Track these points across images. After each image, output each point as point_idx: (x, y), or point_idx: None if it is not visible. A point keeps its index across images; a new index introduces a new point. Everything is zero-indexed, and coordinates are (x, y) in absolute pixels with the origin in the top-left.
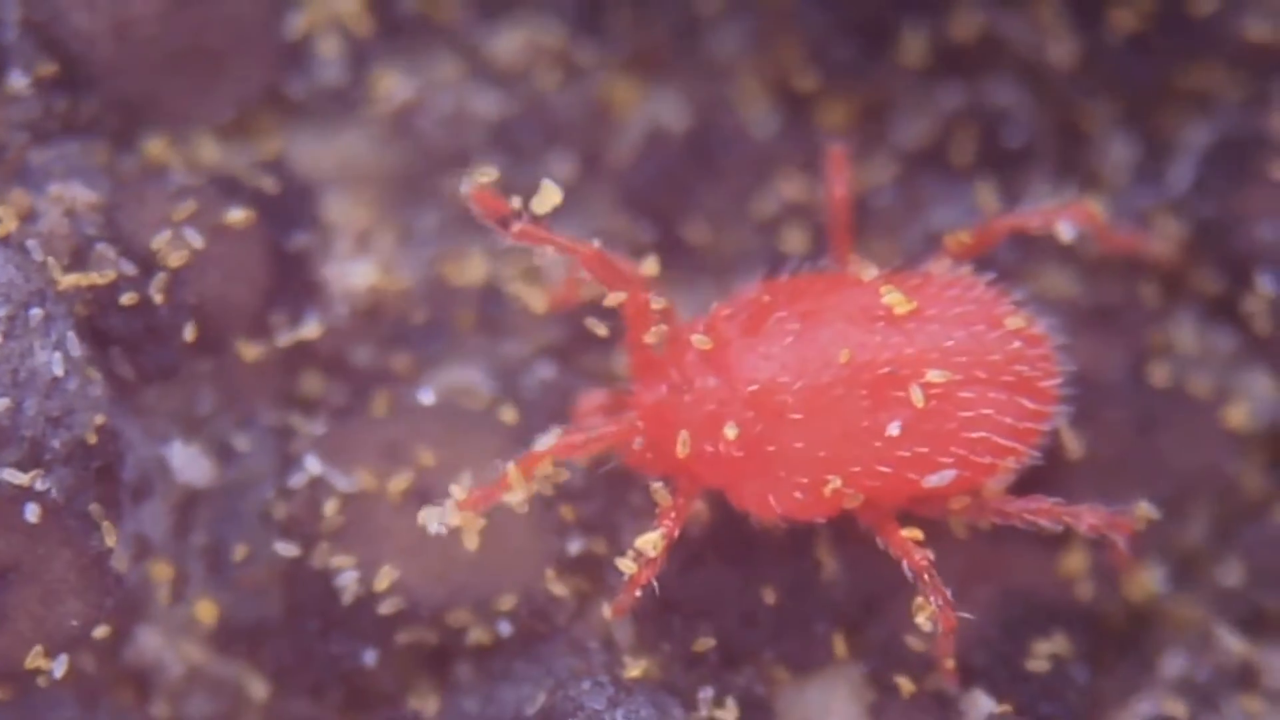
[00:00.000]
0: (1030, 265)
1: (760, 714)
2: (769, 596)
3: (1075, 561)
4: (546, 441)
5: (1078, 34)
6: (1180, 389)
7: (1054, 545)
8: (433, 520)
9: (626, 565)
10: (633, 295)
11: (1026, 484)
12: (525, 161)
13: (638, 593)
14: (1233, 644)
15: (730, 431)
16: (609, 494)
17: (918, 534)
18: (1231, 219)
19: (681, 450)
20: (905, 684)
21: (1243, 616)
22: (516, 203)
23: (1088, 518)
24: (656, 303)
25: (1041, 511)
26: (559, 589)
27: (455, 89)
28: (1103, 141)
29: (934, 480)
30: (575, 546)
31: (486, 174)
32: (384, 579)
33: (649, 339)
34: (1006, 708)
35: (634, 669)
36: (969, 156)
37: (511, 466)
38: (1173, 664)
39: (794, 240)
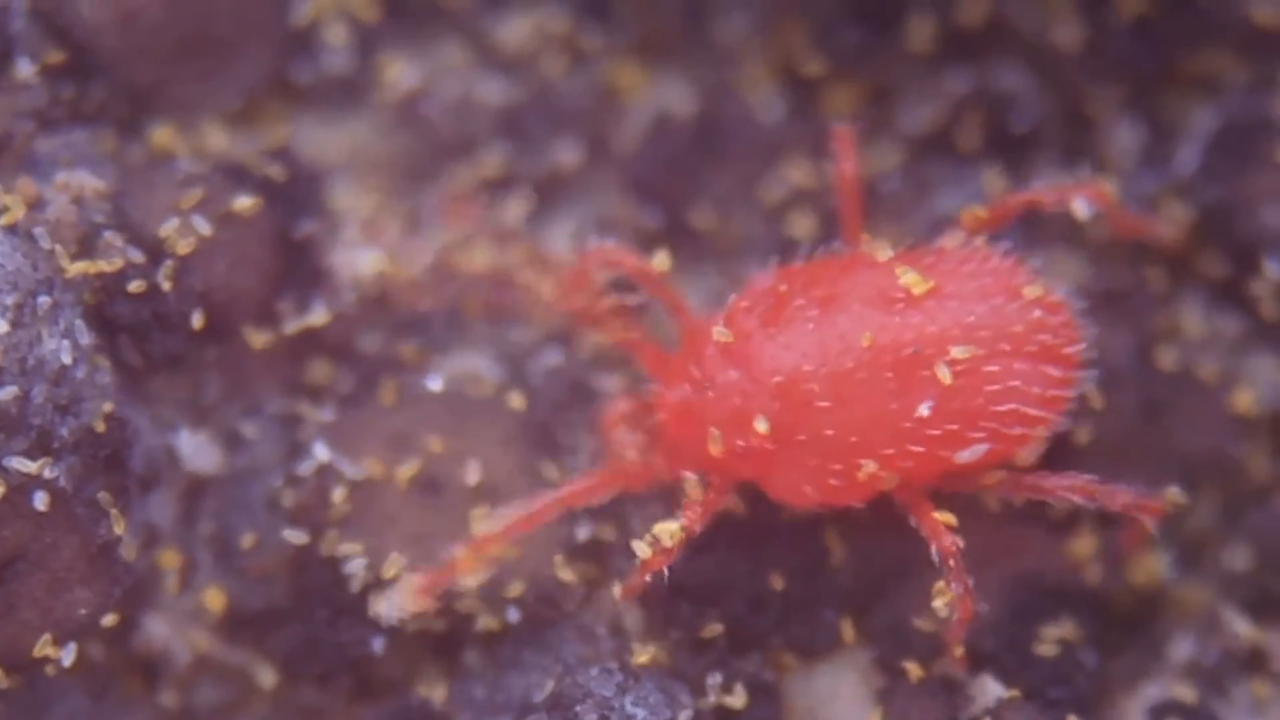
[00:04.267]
0: (1038, 249)
1: (768, 700)
2: (777, 582)
3: (1083, 545)
4: (494, 525)
5: (1084, 18)
6: (1187, 373)
7: (1062, 529)
8: (392, 610)
9: (641, 549)
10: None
11: (1035, 466)
12: (532, 148)
13: (648, 577)
14: (1241, 628)
15: (761, 425)
16: None
17: (951, 519)
18: (1238, 203)
19: (714, 447)
20: (913, 669)
21: (1250, 600)
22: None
23: (1121, 497)
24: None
25: (1076, 488)
26: (567, 575)
27: (462, 76)
28: (1109, 125)
29: (966, 455)
30: (583, 533)
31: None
32: (392, 566)
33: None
34: (1015, 693)
35: (642, 655)
36: (976, 141)
37: (462, 550)
38: (1181, 648)
39: (801, 226)
